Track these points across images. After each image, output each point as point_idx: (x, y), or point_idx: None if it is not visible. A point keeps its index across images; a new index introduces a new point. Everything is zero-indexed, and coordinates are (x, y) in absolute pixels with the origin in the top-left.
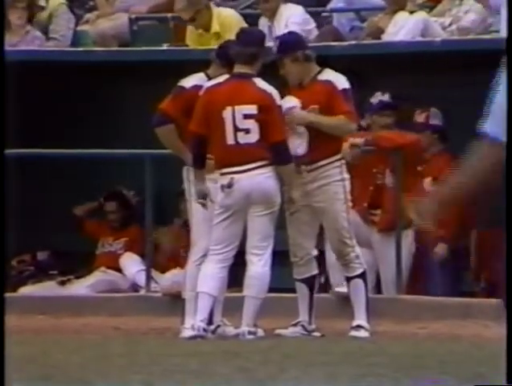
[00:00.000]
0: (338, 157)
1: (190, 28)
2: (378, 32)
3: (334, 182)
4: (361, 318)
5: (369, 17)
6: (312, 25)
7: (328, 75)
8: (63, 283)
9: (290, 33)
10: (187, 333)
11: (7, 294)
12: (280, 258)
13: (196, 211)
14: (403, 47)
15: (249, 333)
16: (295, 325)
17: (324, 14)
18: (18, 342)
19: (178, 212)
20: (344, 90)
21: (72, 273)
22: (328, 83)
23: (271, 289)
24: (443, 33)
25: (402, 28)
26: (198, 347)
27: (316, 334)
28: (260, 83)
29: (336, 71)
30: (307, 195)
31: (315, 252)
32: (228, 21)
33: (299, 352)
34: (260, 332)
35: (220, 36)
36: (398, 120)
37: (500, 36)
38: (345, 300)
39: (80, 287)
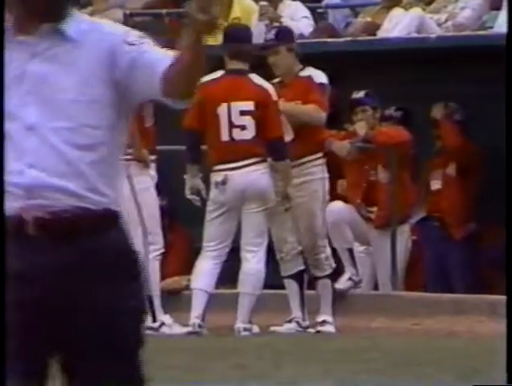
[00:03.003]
0: (320, 155)
1: None
2: (374, 28)
3: (315, 179)
4: (326, 313)
5: (365, 13)
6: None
7: (309, 71)
8: None
9: (286, 26)
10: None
11: None
12: (275, 254)
13: (146, 205)
14: (398, 44)
15: (245, 329)
16: (289, 321)
17: (320, 10)
18: None
19: None
20: (321, 84)
21: None
22: (307, 78)
23: (266, 286)
24: (438, 29)
25: (398, 24)
26: (193, 344)
27: (311, 330)
28: (256, 78)
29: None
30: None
31: (299, 247)
32: (250, 10)
33: (293, 349)
34: (255, 328)
35: (240, 22)
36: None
37: (495, 32)
38: (339, 296)
39: None
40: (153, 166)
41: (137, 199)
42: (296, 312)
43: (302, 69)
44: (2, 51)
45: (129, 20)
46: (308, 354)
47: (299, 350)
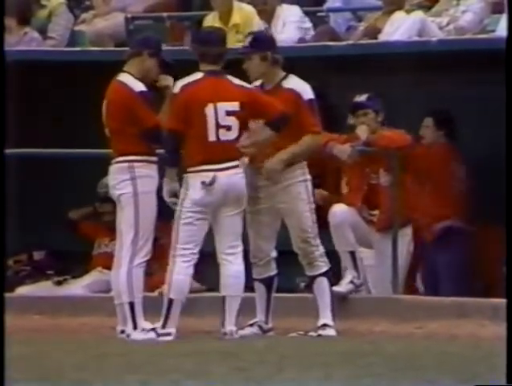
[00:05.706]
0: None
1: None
2: (375, 32)
3: (297, 182)
4: (326, 317)
5: (366, 17)
6: (309, 24)
7: (293, 82)
8: (59, 283)
9: (264, 32)
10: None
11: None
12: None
13: (144, 209)
14: (400, 47)
15: (236, 332)
16: (251, 325)
17: (321, 13)
18: (15, 342)
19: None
20: (310, 100)
21: (69, 273)
22: (293, 92)
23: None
24: (439, 33)
25: (399, 28)
26: (194, 347)
27: (313, 334)
28: (235, 80)
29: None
30: (270, 196)
31: (274, 254)
32: (250, 15)
33: (295, 352)
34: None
35: (240, 29)
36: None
37: (496, 36)
38: (342, 300)
39: (77, 287)
40: (155, 167)
41: (137, 202)
42: (260, 315)
43: (284, 78)
44: (2, 50)
45: (130, 24)
46: (310, 358)
47: (301, 353)
